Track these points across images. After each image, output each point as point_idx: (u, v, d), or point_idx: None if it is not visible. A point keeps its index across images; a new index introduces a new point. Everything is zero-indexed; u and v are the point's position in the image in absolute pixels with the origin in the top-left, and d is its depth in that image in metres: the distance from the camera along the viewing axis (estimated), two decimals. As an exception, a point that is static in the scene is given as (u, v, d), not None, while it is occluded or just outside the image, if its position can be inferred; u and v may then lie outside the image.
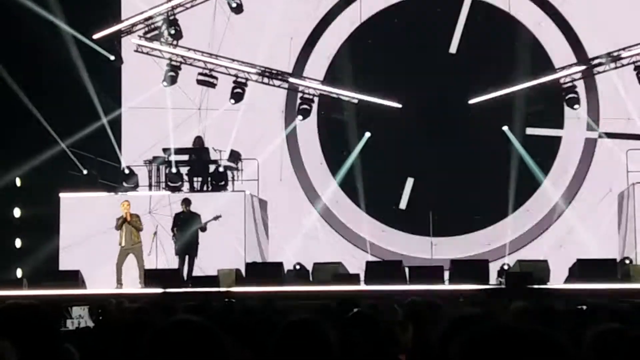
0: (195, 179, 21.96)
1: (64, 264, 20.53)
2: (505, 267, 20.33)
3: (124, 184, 22.13)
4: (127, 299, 13.11)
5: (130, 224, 19.39)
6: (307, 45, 23.92)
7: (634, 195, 20.13)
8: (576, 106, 22.56)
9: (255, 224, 21.76)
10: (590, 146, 23.05)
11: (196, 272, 19.39)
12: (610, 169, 22.50)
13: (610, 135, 22.53)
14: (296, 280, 19.08)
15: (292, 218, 23.34)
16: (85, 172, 22.01)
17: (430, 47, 23.56)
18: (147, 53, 23.76)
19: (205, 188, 21.76)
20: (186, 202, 19.88)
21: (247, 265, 19.40)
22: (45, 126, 21.58)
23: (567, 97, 22.64)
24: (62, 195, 21.30)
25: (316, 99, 23.75)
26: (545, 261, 18.55)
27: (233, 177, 22.15)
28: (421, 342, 6.59)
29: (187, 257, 19.50)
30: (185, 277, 19.02)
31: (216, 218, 19.70)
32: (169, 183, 21.78)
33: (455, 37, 23.41)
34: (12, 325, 3.39)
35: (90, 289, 18.23)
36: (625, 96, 22.28)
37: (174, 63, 23.65)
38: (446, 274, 17.90)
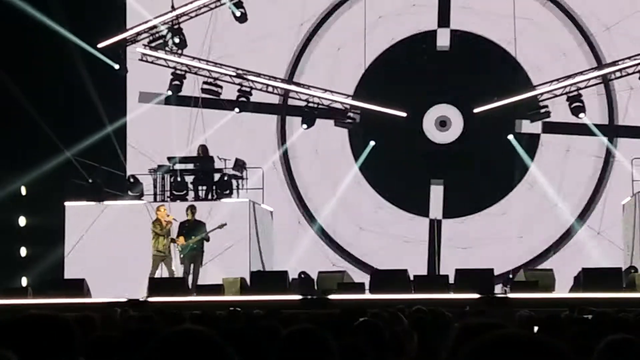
0: (200, 187, 21.96)
1: (69, 273, 20.54)
2: (510, 276, 20.28)
3: (129, 192, 22.13)
4: (132, 307, 13.09)
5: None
6: (310, 52, 23.94)
7: (639, 204, 20.08)
8: (581, 115, 22.55)
9: (260, 233, 21.74)
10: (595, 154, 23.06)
11: (201, 281, 19.36)
12: (616, 179, 22.55)
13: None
14: (301, 289, 19.05)
15: (296, 227, 23.32)
16: (90, 181, 22.01)
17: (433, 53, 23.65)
18: (151, 62, 23.79)
19: (210, 197, 21.75)
20: (191, 209, 19.86)
21: (252, 274, 19.39)
22: (50, 135, 21.60)
23: (572, 106, 22.63)
24: (67, 204, 21.31)
25: (321, 108, 23.76)
26: (551, 270, 18.52)
27: (238, 186, 22.14)
28: (426, 351, 6.58)
29: (192, 265, 19.48)
30: (190, 286, 18.99)
31: (221, 226, 19.64)
32: (174, 192, 21.78)
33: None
34: (29, 336, 3.37)
35: (95, 298, 18.21)
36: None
37: (178, 72, 23.67)
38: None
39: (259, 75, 23.56)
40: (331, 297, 16.99)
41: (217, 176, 21.94)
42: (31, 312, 3.55)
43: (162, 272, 19.63)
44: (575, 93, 22.67)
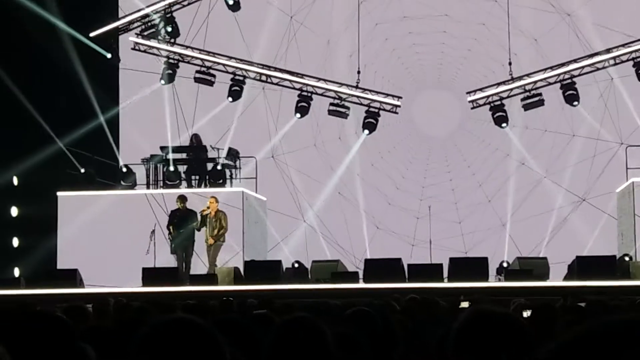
0: (193, 177, 21.91)
1: (62, 263, 20.48)
2: (505, 265, 20.28)
3: (122, 182, 22.07)
4: (125, 297, 13.03)
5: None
6: (305, 41, 23.89)
7: (633, 192, 20.08)
8: (575, 103, 22.51)
9: (254, 222, 21.70)
10: (589, 142, 23.06)
11: (194, 270, 19.29)
12: (609, 166, 22.55)
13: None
14: (294, 278, 19.03)
15: (290, 216, 23.28)
16: (83, 171, 21.94)
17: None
18: (144, 51, 23.69)
19: (203, 186, 21.70)
20: (182, 199, 19.75)
21: (246, 263, 19.35)
22: (42, 125, 21.51)
23: (566, 94, 22.59)
24: (59, 194, 21.25)
25: (315, 97, 23.69)
26: (545, 258, 18.53)
27: (231, 175, 22.10)
28: (419, 340, 6.55)
29: (184, 255, 19.40)
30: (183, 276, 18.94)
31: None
32: (167, 181, 21.73)
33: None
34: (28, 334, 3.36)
35: (88, 288, 18.17)
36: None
37: (171, 61, 23.58)
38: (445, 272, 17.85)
39: (251, 63, 23.48)
40: (325, 286, 16.98)
41: (210, 165, 21.90)
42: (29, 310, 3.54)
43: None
44: (568, 81, 22.64)
